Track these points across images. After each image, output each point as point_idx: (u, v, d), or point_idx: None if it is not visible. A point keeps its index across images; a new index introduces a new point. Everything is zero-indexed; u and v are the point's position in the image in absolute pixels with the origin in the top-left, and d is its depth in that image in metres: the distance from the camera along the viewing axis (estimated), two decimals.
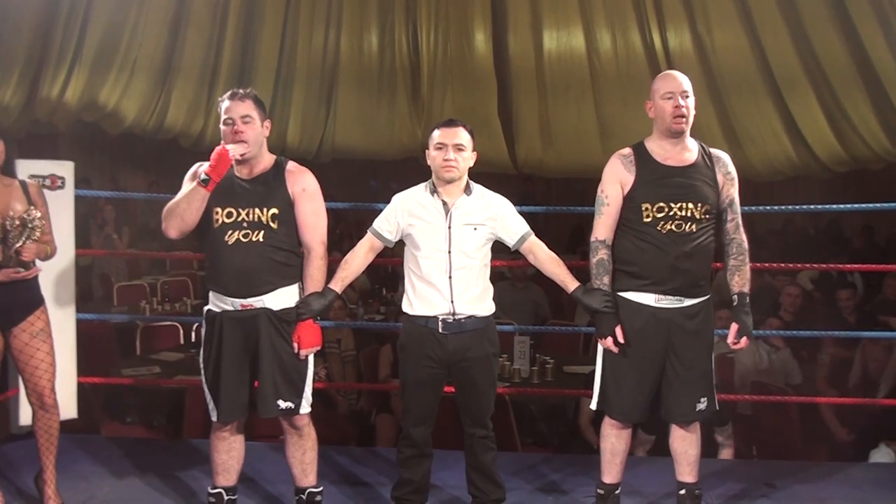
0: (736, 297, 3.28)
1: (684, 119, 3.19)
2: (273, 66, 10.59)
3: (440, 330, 3.28)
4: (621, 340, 3.23)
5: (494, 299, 3.43)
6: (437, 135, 3.33)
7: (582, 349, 6.54)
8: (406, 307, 3.37)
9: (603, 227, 3.29)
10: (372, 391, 5.53)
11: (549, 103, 10.79)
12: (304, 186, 3.26)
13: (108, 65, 8.76)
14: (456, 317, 3.28)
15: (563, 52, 10.62)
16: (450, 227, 3.28)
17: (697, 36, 9.76)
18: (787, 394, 5.19)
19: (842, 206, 4.68)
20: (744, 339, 3.26)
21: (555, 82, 10.69)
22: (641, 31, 10.11)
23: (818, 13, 8.89)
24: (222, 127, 3.20)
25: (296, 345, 3.22)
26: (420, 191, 3.38)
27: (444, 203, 3.31)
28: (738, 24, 9.48)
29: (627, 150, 3.29)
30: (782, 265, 5.69)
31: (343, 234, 10.92)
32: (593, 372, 3.42)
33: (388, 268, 8.32)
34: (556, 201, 13.44)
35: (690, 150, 3.26)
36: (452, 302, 3.27)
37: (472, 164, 3.35)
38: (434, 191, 3.34)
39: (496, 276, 3.44)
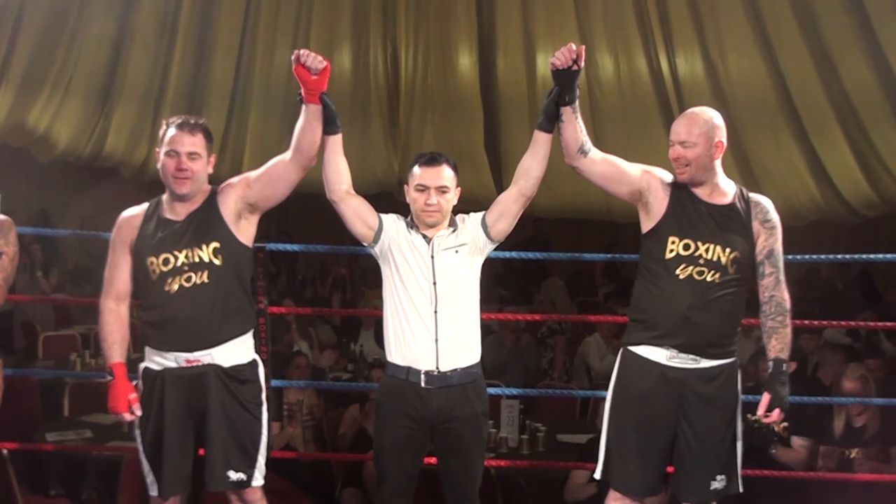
0: (771, 363, 3.24)
1: (682, 169, 3.24)
2: (227, 88, 10.61)
3: (423, 384, 3.27)
4: None
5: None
6: (418, 174, 3.36)
7: (578, 414, 6.51)
8: (387, 354, 3.36)
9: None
10: (338, 462, 5.47)
11: None
12: (229, 187, 3.27)
13: (38, 84, 8.77)
14: (441, 369, 3.27)
15: None
16: (433, 257, 3.31)
17: (710, 62, 9.84)
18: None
19: (872, 255, 4.70)
20: (776, 412, 3.19)
21: None
22: (647, 57, 10.18)
23: (844, 38, 8.95)
24: (163, 157, 3.19)
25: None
26: (402, 225, 3.40)
27: (425, 236, 3.34)
28: (756, 48, 9.55)
29: (670, 176, 3.33)
30: (807, 322, 5.72)
31: (306, 280, 10.84)
32: (591, 440, 3.41)
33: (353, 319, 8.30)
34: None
35: (725, 193, 3.30)
36: (437, 341, 3.26)
37: (455, 202, 3.38)
38: (415, 226, 3.36)
39: (482, 332, 3.43)
